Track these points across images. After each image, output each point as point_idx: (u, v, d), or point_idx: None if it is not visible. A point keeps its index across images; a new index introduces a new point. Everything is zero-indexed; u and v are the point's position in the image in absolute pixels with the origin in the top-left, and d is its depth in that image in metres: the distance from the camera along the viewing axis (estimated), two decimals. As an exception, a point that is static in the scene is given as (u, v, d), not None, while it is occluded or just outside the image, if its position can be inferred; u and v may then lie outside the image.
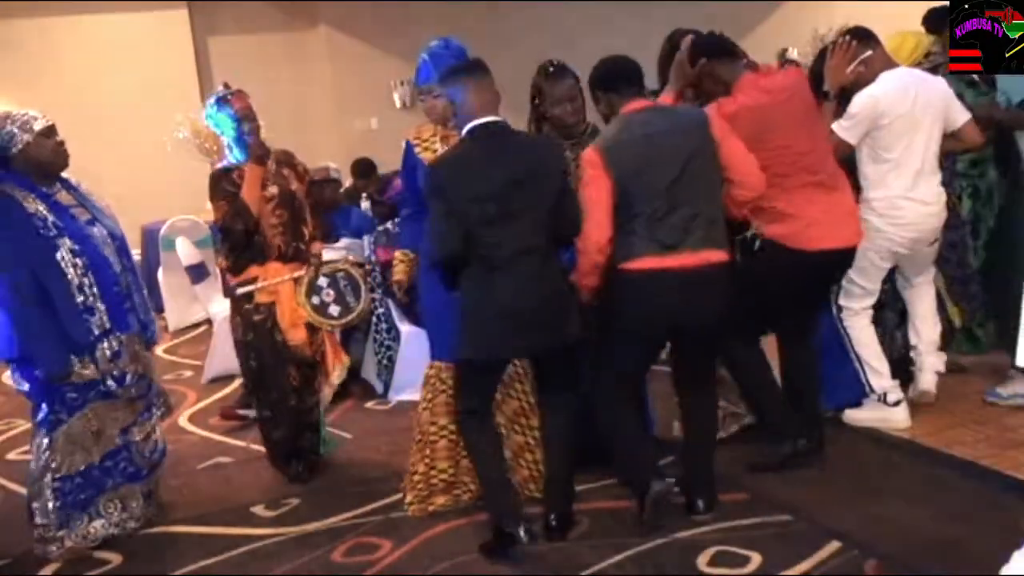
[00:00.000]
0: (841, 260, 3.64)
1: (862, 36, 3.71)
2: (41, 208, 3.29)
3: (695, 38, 3.48)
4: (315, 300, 3.79)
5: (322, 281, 3.83)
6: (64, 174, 3.51)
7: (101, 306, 3.34)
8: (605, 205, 3.06)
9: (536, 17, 9.19)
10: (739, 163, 3.19)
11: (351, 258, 3.88)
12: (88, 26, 8.38)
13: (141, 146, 7.89)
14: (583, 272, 3.17)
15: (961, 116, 3.76)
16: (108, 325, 3.35)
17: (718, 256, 3.10)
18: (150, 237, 7.26)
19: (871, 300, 3.85)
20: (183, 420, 4.94)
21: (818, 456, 3.60)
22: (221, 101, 3.75)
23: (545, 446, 3.30)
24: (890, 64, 3.71)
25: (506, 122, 3.02)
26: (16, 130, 3.31)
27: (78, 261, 3.29)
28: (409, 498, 3.48)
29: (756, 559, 2.95)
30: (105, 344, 3.35)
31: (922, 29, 4.45)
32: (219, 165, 3.89)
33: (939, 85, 3.76)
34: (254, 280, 3.79)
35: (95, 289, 3.33)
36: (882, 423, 3.87)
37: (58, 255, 3.26)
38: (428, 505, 3.45)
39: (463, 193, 2.92)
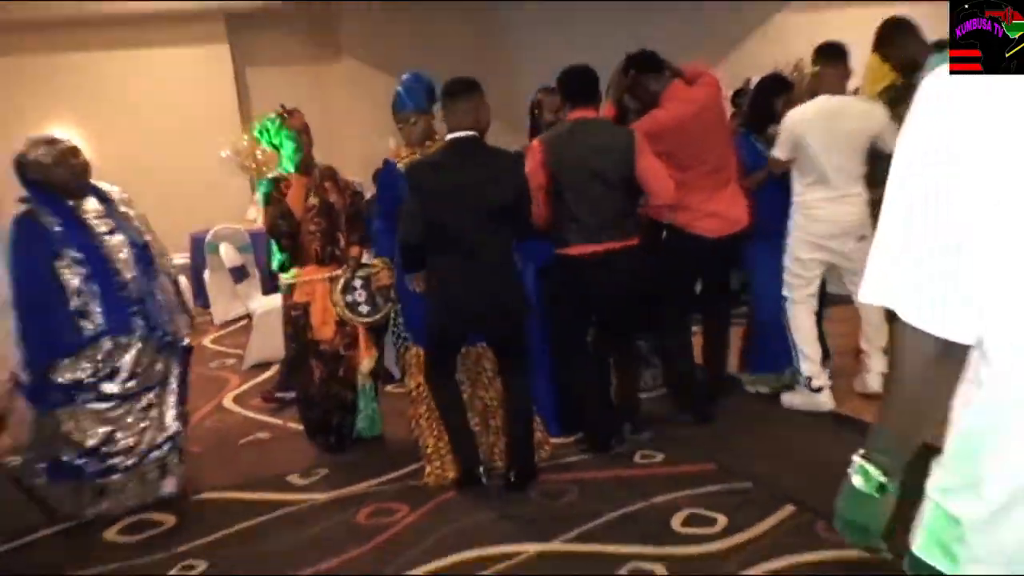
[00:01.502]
0: (731, 244, 4.14)
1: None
2: (54, 222, 3.47)
3: (628, 54, 4.03)
4: (348, 298, 4.04)
5: (356, 282, 4.08)
6: (117, 187, 3.73)
7: (98, 310, 3.46)
8: (541, 188, 3.72)
9: (542, 47, 9.41)
10: (653, 178, 3.80)
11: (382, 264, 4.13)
12: (143, 59, 9.08)
13: (190, 164, 8.59)
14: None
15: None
16: (104, 328, 3.47)
17: (629, 243, 3.81)
18: (197, 243, 7.61)
19: (807, 290, 4.19)
20: (227, 401, 5.23)
21: (714, 412, 4.27)
22: (283, 119, 4.04)
23: (506, 410, 3.72)
24: None
25: (476, 136, 3.49)
26: (33, 157, 3.50)
27: (82, 270, 3.45)
28: (428, 469, 3.77)
29: (722, 520, 3.20)
30: (101, 345, 3.50)
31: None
32: (269, 175, 4.17)
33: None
34: (295, 279, 4.10)
35: (96, 292, 3.45)
36: (809, 406, 4.19)
37: (59, 263, 3.44)
38: (443, 479, 3.72)
39: (429, 190, 3.44)
